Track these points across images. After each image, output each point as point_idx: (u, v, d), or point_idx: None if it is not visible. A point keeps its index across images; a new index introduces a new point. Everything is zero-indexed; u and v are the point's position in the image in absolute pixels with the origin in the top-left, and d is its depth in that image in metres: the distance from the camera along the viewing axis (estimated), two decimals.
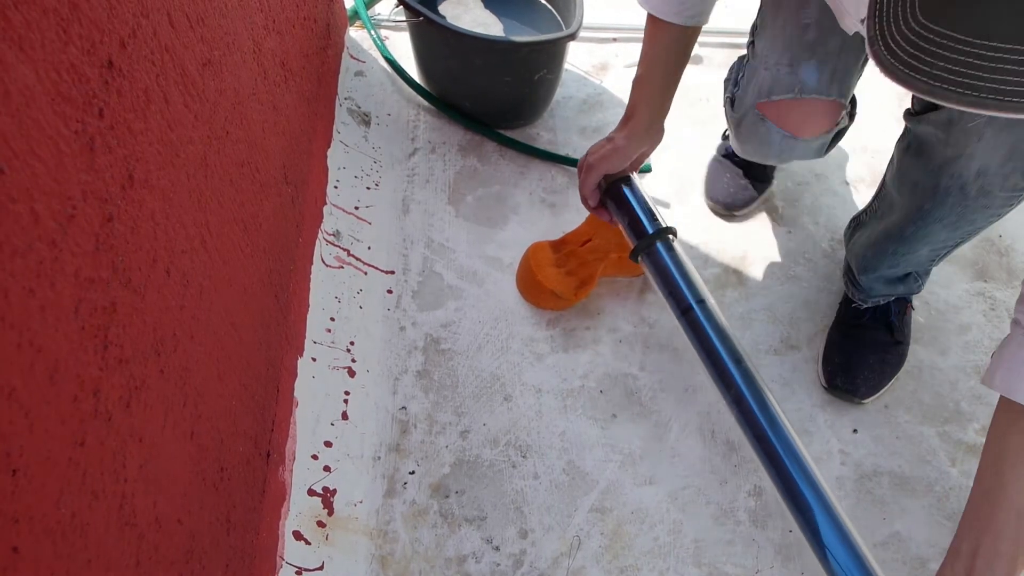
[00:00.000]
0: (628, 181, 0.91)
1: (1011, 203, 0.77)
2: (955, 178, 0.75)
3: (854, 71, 0.81)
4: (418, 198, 1.17)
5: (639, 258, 0.90)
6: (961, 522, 0.67)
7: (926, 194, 0.80)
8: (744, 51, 0.93)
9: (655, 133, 0.89)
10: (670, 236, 0.89)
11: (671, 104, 0.88)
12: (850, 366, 0.98)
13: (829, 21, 0.79)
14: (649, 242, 0.88)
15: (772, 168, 1.18)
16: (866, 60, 0.84)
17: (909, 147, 0.82)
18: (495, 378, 0.98)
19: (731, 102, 0.89)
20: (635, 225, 0.89)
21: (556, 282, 1.01)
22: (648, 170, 1.23)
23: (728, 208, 1.17)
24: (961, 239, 0.85)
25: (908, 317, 1.03)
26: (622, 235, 1.06)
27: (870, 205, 0.96)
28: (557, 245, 1.06)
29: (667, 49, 0.83)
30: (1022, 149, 0.71)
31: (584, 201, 0.94)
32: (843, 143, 1.30)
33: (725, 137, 1.23)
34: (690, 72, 1.38)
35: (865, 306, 1.01)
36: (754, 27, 0.88)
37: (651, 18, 0.82)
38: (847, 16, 0.76)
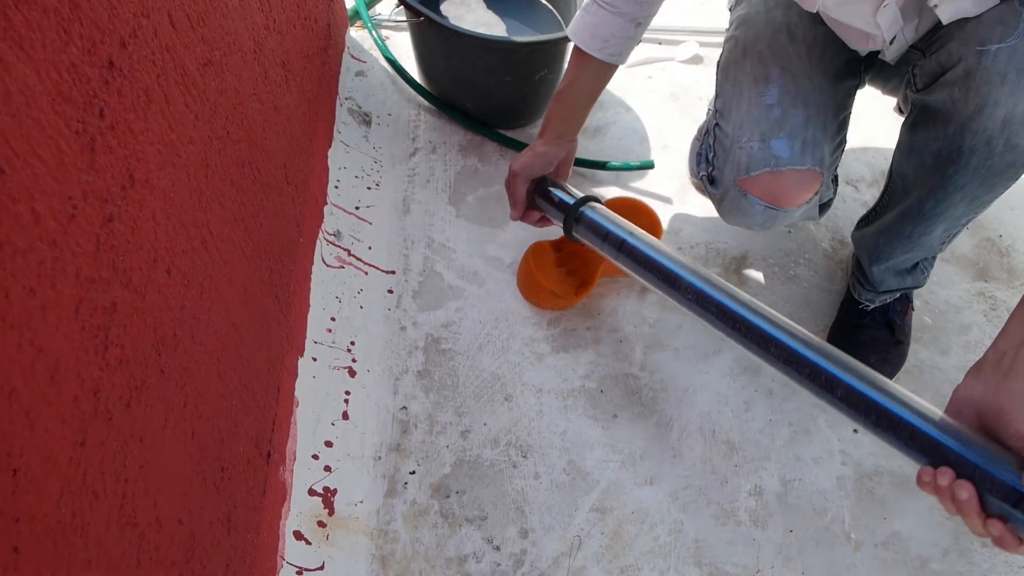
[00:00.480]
0: (549, 180, 0.94)
1: None
2: (980, 134, 0.74)
3: (823, 142, 0.84)
4: (419, 198, 1.17)
5: (573, 233, 0.90)
6: (1003, 329, 0.63)
7: (949, 160, 0.78)
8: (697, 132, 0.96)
9: (568, 143, 0.94)
10: (593, 202, 0.90)
11: (585, 119, 0.95)
12: None
13: (789, 99, 0.83)
14: (576, 212, 0.89)
15: None
16: (836, 133, 0.88)
17: (918, 122, 0.82)
18: (496, 378, 0.98)
19: (710, 180, 0.93)
20: (561, 206, 0.91)
21: (556, 282, 1.01)
22: (651, 166, 1.23)
23: None
24: (975, 212, 0.85)
25: (909, 317, 1.03)
26: None
27: (879, 201, 0.96)
28: (558, 244, 1.06)
29: (586, 76, 0.89)
30: None
31: (513, 205, 0.96)
32: None
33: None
34: (690, 72, 1.38)
35: (872, 306, 1.01)
36: (716, 111, 0.92)
37: (576, 47, 0.88)
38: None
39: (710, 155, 0.91)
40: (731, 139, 0.86)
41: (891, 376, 0.99)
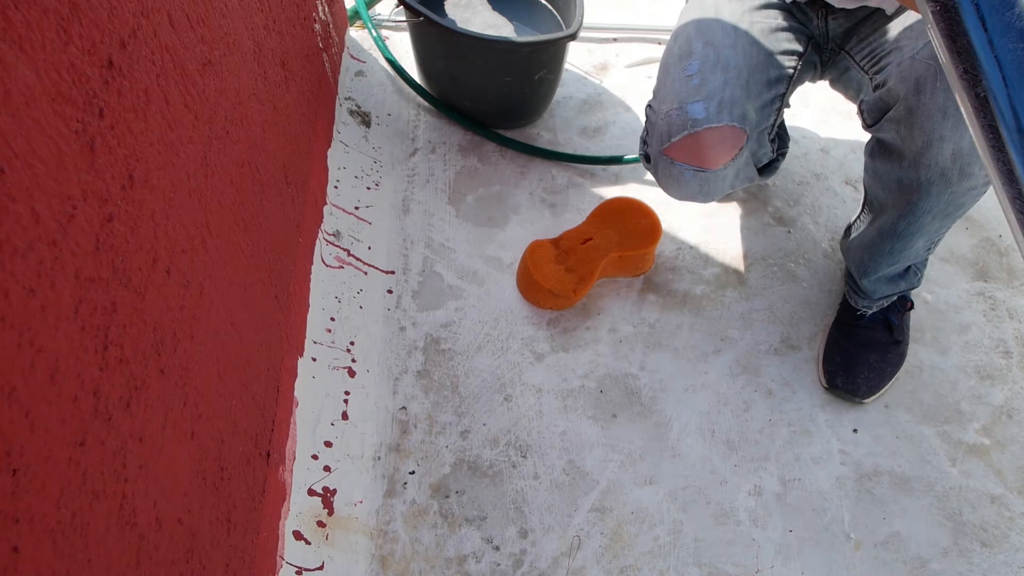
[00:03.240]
0: None
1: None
2: (933, 167, 0.76)
3: (744, 100, 0.84)
4: (418, 198, 1.17)
5: None
6: None
7: (911, 189, 0.81)
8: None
9: None
10: None
11: None
12: (850, 366, 0.98)
13: (709, 67, 0.84)
14: None
15: None
16: (763, 91, 0.87)
17: (875, 152, 0.84)
18: (495, 378, 0.98)
19: (646, 158, 0.93)
20: None
21: (554, 281, 1.01)
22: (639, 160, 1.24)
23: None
24: (952, 223, 0.86)
25: (907, 317, 1.03)
26: (622, 234, 1.06)
27: (861, 211, 0.98)
28: (557, 242, 1.06)
29: None
30: None
31: None
32: (843, 142, 1.30)
33: None
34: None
35: (871, 311, 1.01)
36: (652, 95, 0.93)
37: None
38: None
39: (644, 135, 0.92)
40: (656, 113, 0.87)
41: (891, 376, 1.00)
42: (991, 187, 0.77)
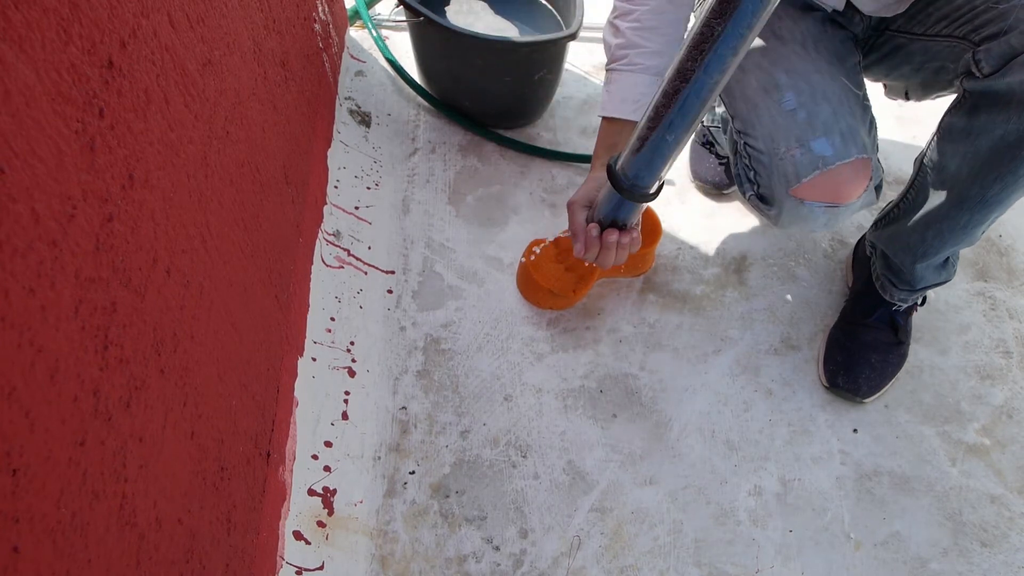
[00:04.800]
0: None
1: None
2: None
3: (858, 128, 0.82)
4: (418, 198, 1.17)
5: (635, 193, 0.79)
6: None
7: (1016, 145, 0.75)
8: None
9: None
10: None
11: None
12: (852, 365, 0.98)
13: (808, 98, 0.82)
14: (617, 174, 0.79)
15: None
16: (864, 114, 0.85)
17: (979, 108, 0.79)
18: (495, 378, 0.98)
19: (761, 199, 0.90)
20: (612, 181, 0.81)
21: (554, 280, 1.01)
22: None
23: (717, 187, 1.20)
24: (1012, 203, 0.83)
25: (911, 317, 1.03)
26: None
27: (905, 196, 0.94)
28: (557, 242, 1.06)
29: (625, 138, 0.82)
30: None
31: (575, 237, 0.87)
32: None
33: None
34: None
35: (906, 306, 1.00)
36: (736, 131, 0.89)
37: (606, 119, 0.86)
38: None
39: (750, 174, 0.89)
40: (768, 154, 0.84)
41: (892, 376, 0.99)
42: None
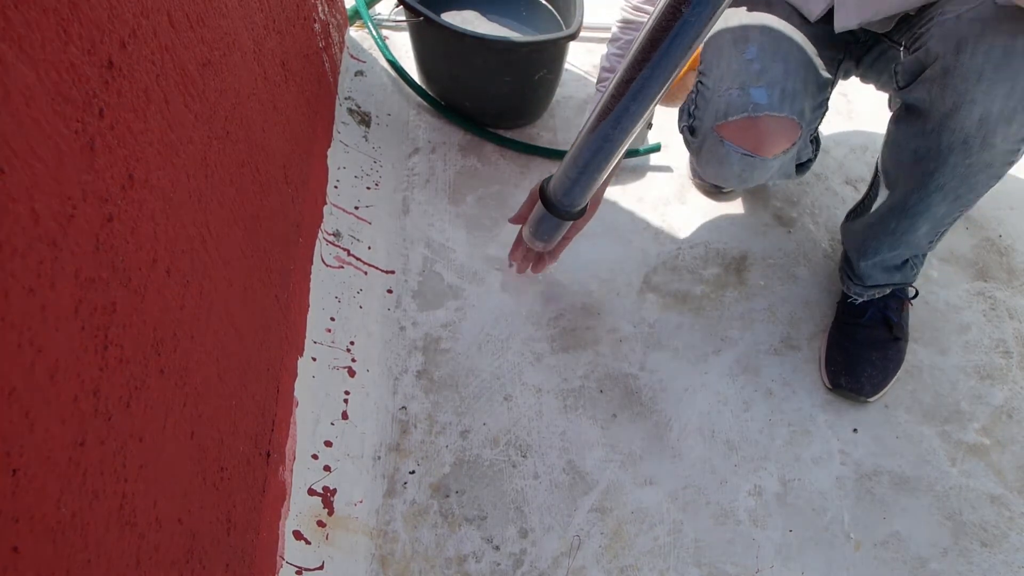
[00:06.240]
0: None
1: (1011, 159, 0.77)
2: (957, 133, 0.76)
3: (802, 95, 0.85)
4: (418, 198, 1.17)
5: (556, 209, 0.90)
6: None
7: (928, 158, 0.80)
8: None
9: None
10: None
11: None
12: (853, 365, 0.98)
13: (768, 55, 0.84)
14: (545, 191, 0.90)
15: None
16: (816, 92, 0.87)
17: (900, 118, 0.84)
18: (495, 378, 0.98)
19: (690, 130, 0.93)
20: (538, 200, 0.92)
21: None
22: (657, 148, 1.24)
23: (716, 186, 1.21)
24: (959, 211, 0.86)
25: (906, 314, 1.03)
26: None
27: (866, 194, 0.98)
28: None
29: None
30: (1021, 87, 0.70)
31: (512, 249, 1.01)
32: (843, 143, 1.30)
33: None
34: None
35: (860, 300, 1.02)
36: (700, 72, 0.93)
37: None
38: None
39: (692, 108, 0.93)
40: (711, 90, 0.87)
41: (894, 373, 1.00)
42: (1005, 173, 0.78)
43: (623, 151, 0.78)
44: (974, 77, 0.71)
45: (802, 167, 0.98)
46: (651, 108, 0.71)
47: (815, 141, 0.98)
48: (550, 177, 0.89)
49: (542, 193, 0.89)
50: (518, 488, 0.89)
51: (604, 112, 0.72)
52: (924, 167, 0.81)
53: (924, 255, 0.98)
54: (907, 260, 0.96)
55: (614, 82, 0.69)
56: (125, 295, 0.46)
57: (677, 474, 0.92)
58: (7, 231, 0.34)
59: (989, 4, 0.71)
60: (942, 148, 0.78)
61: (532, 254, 1.00)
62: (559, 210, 0.88)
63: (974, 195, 0.82)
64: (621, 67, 0.68)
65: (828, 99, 0.91)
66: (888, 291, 1.01)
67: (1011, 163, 0.78)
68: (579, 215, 0.90)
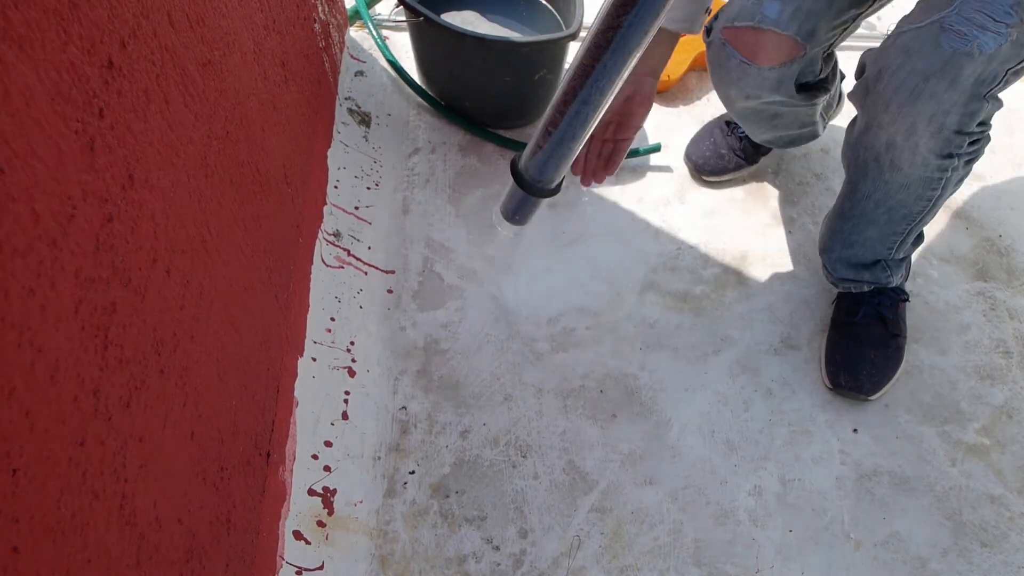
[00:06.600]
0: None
1: (932, 187, 0.80)
2: (869, 149, 0.79)
3: (819, 16, 0.84)
4: (418, 198, 1.17)
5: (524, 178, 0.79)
6: None
7: (855, 166, 0.85)
8: None
9: (632, 81, 0.87)
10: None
11: (660, 66, 0.87)
12: (852, 364, 0.98)
13: None
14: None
15: (764, 149, 1.19)
16: (841, 11, 0.86)
17: (849, 124, 0.88)
18: (495, 378, 0.98)
19: (707, 31, 0.94)
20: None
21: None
22: (657, 148, 1.24)
23: (698, 169, 1.21)
24: (907, 224, 0.88)
25: (902, 311, 1.03)
26: None
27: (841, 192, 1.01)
28: None
29: (656, 43, 0.83)
30: (923, 128, 0.73)
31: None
32: (843, 142, 1.30)
33: None
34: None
35: (837, 290, 1.04)
36: None
37: None
38: None
39: (721, 10, 0.93)
40: (734, 3, 0.88)
41: (894, 371, 0.99)
42: (943, 200, 0.80)
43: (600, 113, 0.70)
44: (883, 105, 0.75)
45: (809, 94, 0.95)
46: (632, 62, 0.62)
47: (832, 67, 0.95)
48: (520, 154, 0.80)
49: (514, 170, 0.77)
50: (518, 488, 0.89)
51: (581, 71, 0.63)
52: (852, 175, 0.86)
53: (900, 260, 0.98)
54: (877, 262, 0.97)
55: (591, 33, 0.61)
56: (125, 295, 0.46)
57: (677, 474, 0.92)
58: (7, 231, 0.34)
59: (935, 27, 0.71)
60: (859, 160, 0.82)
61: (595, 163, 0.89)
62: (533, 188, 0.79)
63: (912, 211, 0.85)
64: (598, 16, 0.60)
65: (858, 18, 0.89)
66: (866, 288, 1.01)
67: (934, 191, 0.81)
68: (555, 191, 0.83)
